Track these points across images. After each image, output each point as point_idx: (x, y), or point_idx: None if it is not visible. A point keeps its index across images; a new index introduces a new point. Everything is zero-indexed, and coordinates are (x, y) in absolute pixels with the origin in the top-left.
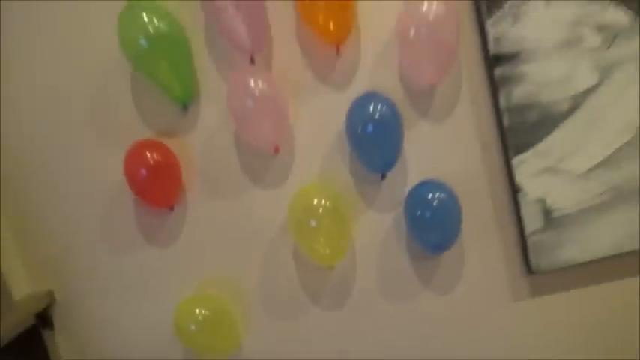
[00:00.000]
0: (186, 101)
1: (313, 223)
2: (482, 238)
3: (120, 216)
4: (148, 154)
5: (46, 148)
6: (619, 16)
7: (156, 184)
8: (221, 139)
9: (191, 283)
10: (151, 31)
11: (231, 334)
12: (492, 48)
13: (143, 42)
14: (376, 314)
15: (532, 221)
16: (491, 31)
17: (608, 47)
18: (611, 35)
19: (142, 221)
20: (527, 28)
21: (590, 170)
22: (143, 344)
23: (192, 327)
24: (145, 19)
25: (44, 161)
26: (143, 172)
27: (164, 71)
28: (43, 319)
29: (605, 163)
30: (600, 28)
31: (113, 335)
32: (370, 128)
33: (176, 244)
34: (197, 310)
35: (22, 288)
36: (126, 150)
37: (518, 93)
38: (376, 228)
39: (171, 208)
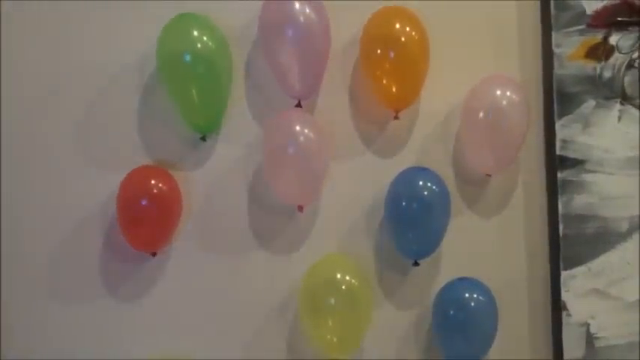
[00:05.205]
0: (208, 132)
1: (332, 301)
2: (511, 356)
3: (83, 256)
4: (154, 182)
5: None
6: None
7: (151, 219)
8: (234, 183)
9: (150, 350)
10: (199, 46)
11: None
12: (559, 150)
13: (187, 57)
14: None
15: (573, 347)
16: (560, 132)
17: None
18: None
19: (109, 266)
20: (596, 137)
21: None
22: None
23: None
24: (196, 33)
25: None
26: (144, 202)
27: (195, 93)
28: None
29: None
30: None
31: None
32: (415, 205)
33: (145, 300)
34: None
35: None
36: (118, 175)
37: (579, 202)
38: (395, 322)
39: (154, 254)
